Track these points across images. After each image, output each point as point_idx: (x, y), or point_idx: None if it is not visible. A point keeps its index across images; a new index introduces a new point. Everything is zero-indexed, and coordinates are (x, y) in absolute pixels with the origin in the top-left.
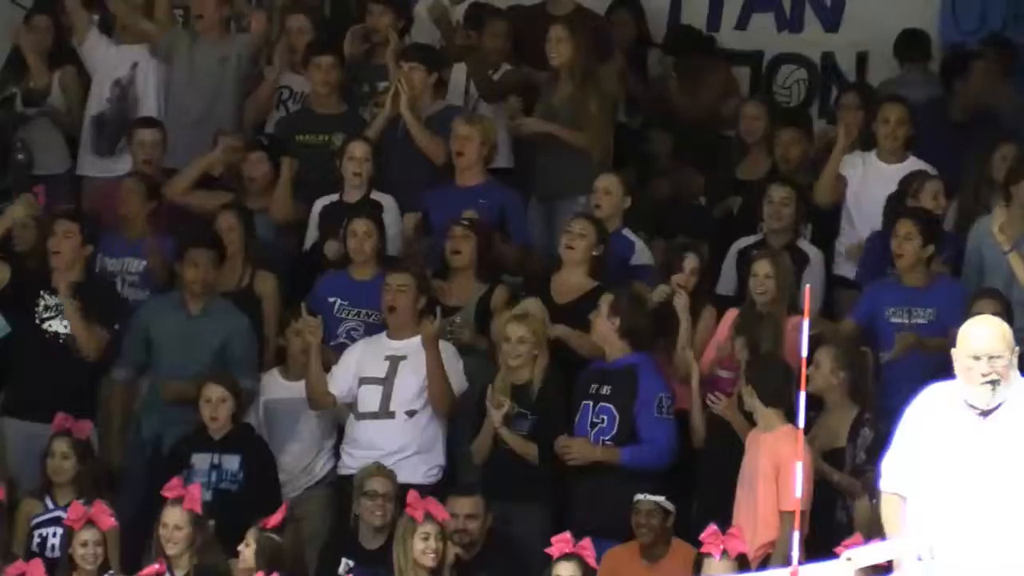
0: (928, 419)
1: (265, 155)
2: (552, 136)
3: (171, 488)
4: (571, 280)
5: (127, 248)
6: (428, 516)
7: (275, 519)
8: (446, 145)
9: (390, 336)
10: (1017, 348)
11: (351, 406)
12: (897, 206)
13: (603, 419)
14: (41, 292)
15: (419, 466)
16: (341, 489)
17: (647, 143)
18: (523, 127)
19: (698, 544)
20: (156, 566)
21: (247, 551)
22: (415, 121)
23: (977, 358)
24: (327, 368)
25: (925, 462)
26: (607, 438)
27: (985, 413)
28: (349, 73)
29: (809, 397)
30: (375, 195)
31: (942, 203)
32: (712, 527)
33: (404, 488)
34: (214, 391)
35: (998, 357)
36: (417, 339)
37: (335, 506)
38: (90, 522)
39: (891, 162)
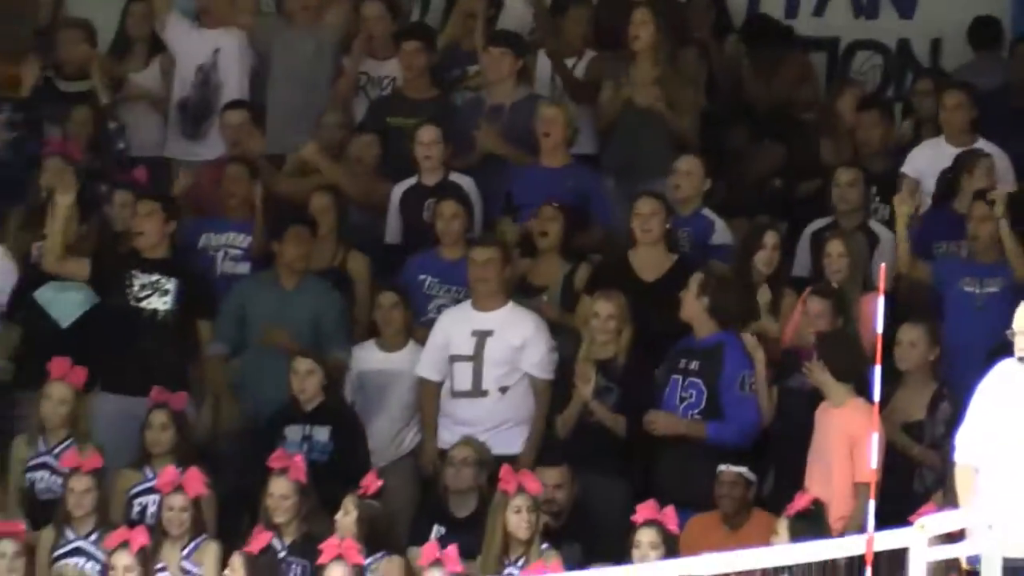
0: (997, 393)
1: (377, 138)
2: (660, 117)
3: (277, 459)
4: (652, 257)
5: (230, 225)
6: (521, 489)
7: (373, 487)
8: (524, 151)
9: (476, 307)
10: None
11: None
12: (958, 186)
13: (691, 394)
14: (133, 271)
15: (516, 437)
16: (438, 463)
17: (724, 135)
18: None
19: (777, 512)
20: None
21: (347, 519)
22: (500, 144)
23: (1016, 334)
24: (420, 343)
25: (995, 434)
26: (696, 412)
27: None
28: (442, 57)
29: (890, 372)
30: (453, 177)
31: (995, 181)
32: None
33: (500, 460)
34: (302, 363)
35: None
36: (502, 312)
37: (421, 477)
38: (180, 488)
39: (957, 145)
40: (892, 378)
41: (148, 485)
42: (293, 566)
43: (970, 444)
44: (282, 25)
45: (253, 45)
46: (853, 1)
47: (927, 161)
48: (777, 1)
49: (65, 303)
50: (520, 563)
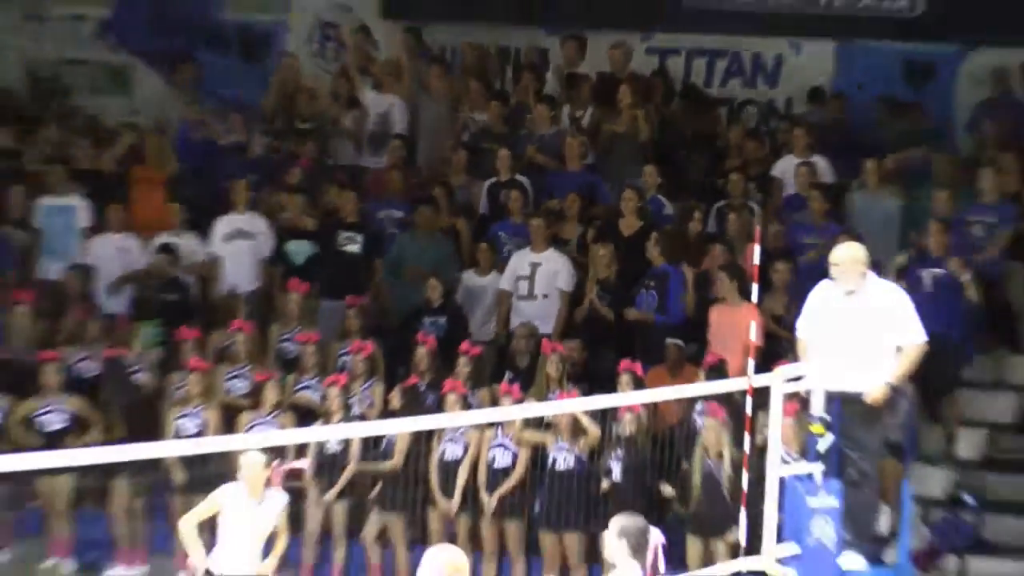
0: (820, 297)
1: (467, 153)
2: (634, 143)
3: (420, 336)
4: (630, 223)
5: (393, 204)
6: (554, 351)
7: (475, 351)
8: (557, 162)
9: (532, 250)
10: (860, 258)
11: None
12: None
13: (650, 299)
14: (339, 230)
15: (551, 322)
16: (508, 337)
17: (672, 154)
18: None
19: (698, 365)
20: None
21: (464, 369)
22: (542, 158)
23: (830, 264)
24: (499, 271)
25: (818, 320)
26: (652, 310)
27: (848, 294)
28: (512, 109)
29: (763, 287)
30: (518, 176)
31: (812, 181)
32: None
33: (542, 336)
34: (432, 281)
35: (835, 265)
36: (546, 252)
37: (498, 346)
38: (361, 350)
39: (800, 158)
40: (764, 291)
41: (346, 350)
42: (429, 396)
43: (803, 327)
44: (425, 95)
45: (408, 105)
46: (743, 78)
47: (785, 168)
48: (700, 77)
49: (300, 251)
50: (555, 393)
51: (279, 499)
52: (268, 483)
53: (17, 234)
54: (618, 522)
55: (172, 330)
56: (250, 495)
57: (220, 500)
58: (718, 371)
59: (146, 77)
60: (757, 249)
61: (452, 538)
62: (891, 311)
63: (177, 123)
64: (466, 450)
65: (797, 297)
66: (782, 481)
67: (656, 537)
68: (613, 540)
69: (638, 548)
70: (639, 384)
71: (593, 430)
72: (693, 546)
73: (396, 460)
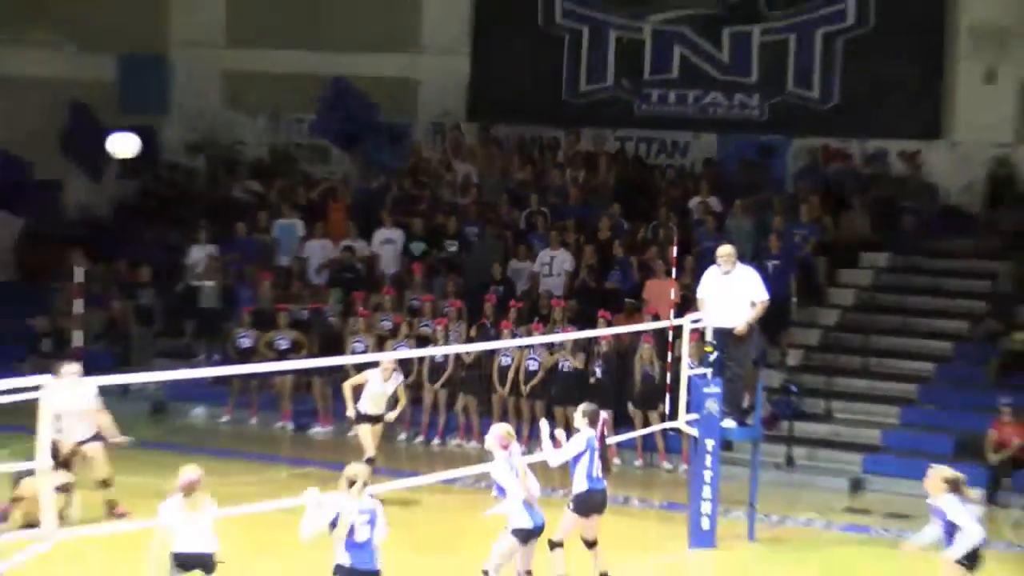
0: (710, 275)
1: (512, 196)
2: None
3: (486, 298)
4: (604, 233)
5: (472, 224)
6: (558, 305)
7: (519, 305)
8: (564, 200)
9: (550, 249)
10: (733, 253)
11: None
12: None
13: (617, 276)
14: (444, 238)
15: (560, 289)
16: (537, 297)
17: (631, 196)
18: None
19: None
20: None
21: (513, 315)
22: (556, 200)
23: (717, 256)
24: (534, 261)
25: (709, 288)
26: (617, 282)
27: (726, 273)
28: (539, 171)
29: (682, 269)
30: (543, 207)
31: (708, 211)
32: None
33: (555, 296)
34: (495, 266)
35: (720, 256)
36: (559, 251)
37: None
38: (454, 305)
39: (703, 198)
40: (680, 272)
41: (446, 304)
42: (492, 330)
43: (701, 292)
44: (489, 163)
45: (480, 170)
46: (666, 153)
47: (692, 204)
48: (643, 153)
49: (418, 248)
50: (561, 329)
51: (398, 379)
52: (392, 372)
53: (263, 239)
54: (581, 407)
55: (350, 293)
56: (383, 378)
57: (367, 375)
58: (654, 318)
59: (337, 154)
60: (675, 249)
61: (504, 412)
62: (750, 282)
63: (354, 178)
64: (513, 360)
65: (698, 275)
66: (689, 379)
67: (603, 416)
68: (578, 416)
69: (592, 421)
70: (609, 324)
71: (577, 363)
72: (636, 415)
73: (470, 358)
